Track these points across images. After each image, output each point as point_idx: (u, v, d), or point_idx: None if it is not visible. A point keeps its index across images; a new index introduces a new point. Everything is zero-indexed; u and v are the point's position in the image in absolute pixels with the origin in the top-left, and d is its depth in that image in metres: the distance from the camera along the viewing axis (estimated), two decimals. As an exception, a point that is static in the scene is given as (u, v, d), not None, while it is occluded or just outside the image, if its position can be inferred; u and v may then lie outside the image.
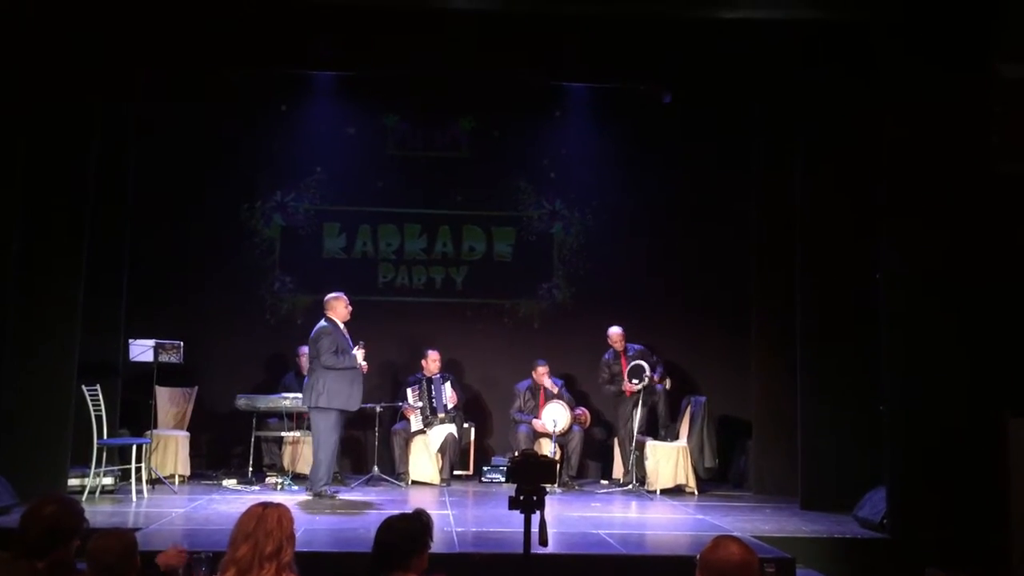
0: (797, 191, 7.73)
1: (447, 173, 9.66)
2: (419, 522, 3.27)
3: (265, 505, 2.98)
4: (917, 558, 5.31)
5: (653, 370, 8.26)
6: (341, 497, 7.39)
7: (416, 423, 8.49)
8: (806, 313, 7.49)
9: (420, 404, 8.54)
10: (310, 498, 7.25)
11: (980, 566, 5.37)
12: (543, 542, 3.08)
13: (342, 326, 7.45)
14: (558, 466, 7.96)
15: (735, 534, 5.16)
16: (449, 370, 9.03)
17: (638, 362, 8.21)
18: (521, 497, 3.09)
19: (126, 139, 8.16)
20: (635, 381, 8.18)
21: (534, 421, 8.50)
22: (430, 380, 8.64)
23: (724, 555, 2.49)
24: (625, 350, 8.54)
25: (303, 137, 9.49)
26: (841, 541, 6.20)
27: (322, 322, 7.45)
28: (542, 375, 8.66)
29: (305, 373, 8.59)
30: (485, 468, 8.62)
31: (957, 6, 6.24)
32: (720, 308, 9.27)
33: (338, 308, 7.49)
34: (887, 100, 6.51)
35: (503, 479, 8.41)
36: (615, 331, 8.61)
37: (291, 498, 7.39)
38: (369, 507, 7.06)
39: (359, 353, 7.32)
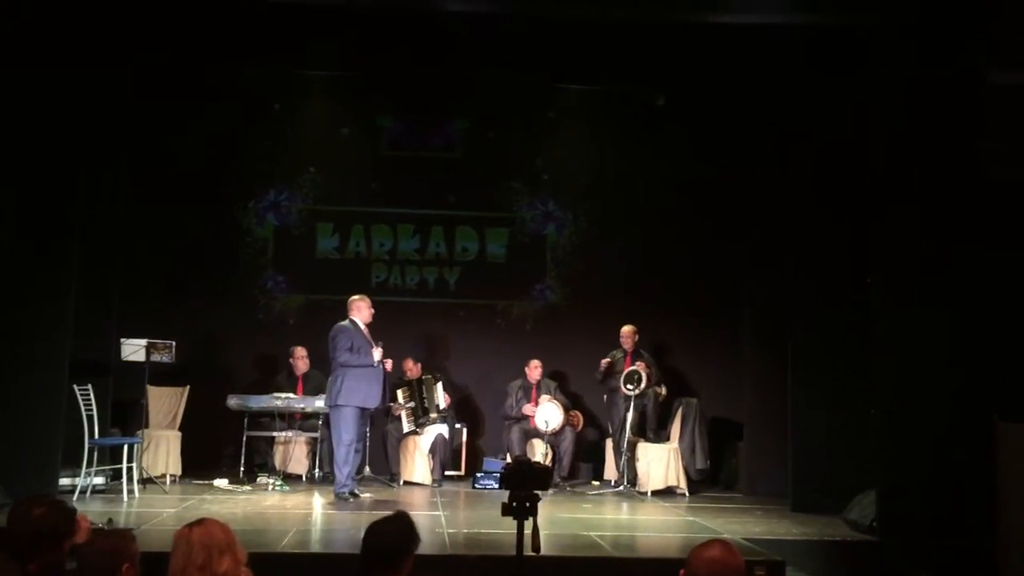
0: (790, 193, 7.75)
1: (440, 173, 9.65)
2: (404, 523, 3.27)
3: (190, 527, 2.91)
4: (906, 561, 5.34)
5: (650, 380, 8.29)
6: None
7: (407, 424, 8.50)
8: (799, 315, 7.52)
9: (411, 405, 8.55)
10: (332, 499, 7.30)
11: (969, 570, 5.40)
12: (535, 549, 3.08)
13: (363, 327, 7.50)
14: (550, 468, 7.97)
15: (725, 537, 5.18)
16: (442, 370, 9.05)
17: (638, 371, 8.22)
18: (514, 504, 3.09)
19: (117, 138, 8.13)
20: (629, 387, 8.20)
21: (525, 407, 8.51)
22: (420, 380, 8.65)
23: (707, 556, 2.52)
24: (634, 351, 8.56)
25: (296, 137, 9.47)
26: (831, 544, 6.23)
27: (343, 321, 7.49)
28: (534, 369, 8.70)
29: (297, 373, 8.65)
30: (478, 475, 8.44)
31: (948, 13, 6.26)
32: (713, 309, 9.28)
33: (362, 309, 7.56)
34: (879, 105, 6.55)
35: (496, 486, 8.36)
36: (627, 329, 8.64)
37: (285, 498, 7.41)
38: (360, 507, 7.05)
39: (377, 352, 7.36)
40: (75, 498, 6.80)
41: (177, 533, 2.90)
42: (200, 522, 2.94)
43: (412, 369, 8.77)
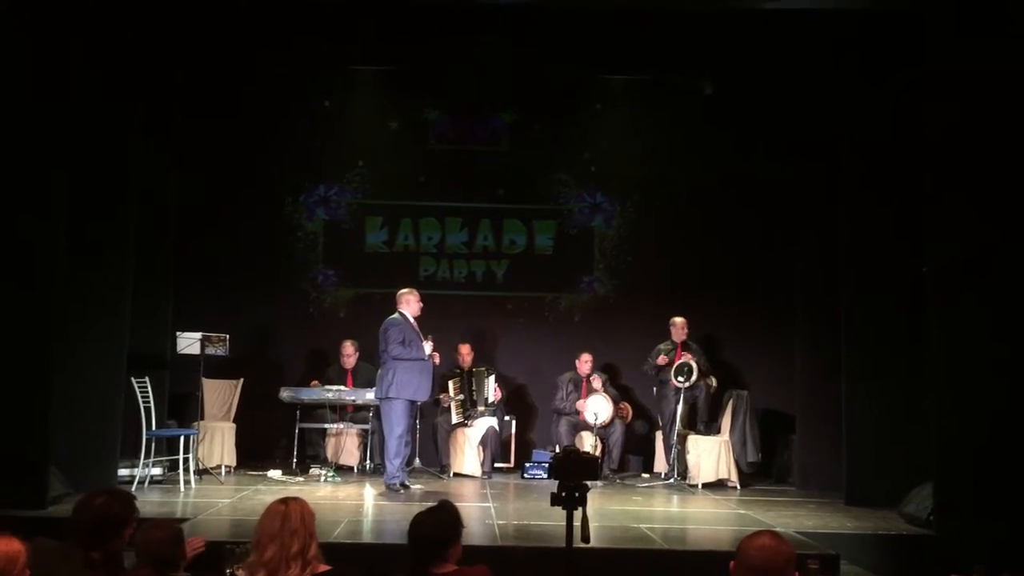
0: (841, 181, 7.62)
1: (488, 167, 9.68)
2: (448, 513, 3.31)
3: (286, 502, 2.95)
4: (964, 556, 5.21)
5: (701, 371, 8.24)
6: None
7: (456, 416, 8.54)
8: (851, 306, 7.40)
9: (461, 397, 8.59)
10: (383, 489, 7.38)
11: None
12: (585, 539, 3.08)
13: (412, 320, 7.55)
14: (600, 460, 7.96)
15: (776, 529, 5.13)
16: (490, 363, 9.08)
17: (689, 363, 8.17)
18: (563, 493, 3.10)
19: (170, 135, 8.28)
20: (680, 379, 8.15)
21: (577, 403, 8.51)
22: (470, 373, 8.69)
23: (758, 543, 2.50)
24: (684, 343, 8.52)
25: (345, 132, 9.56)
26: (886, 537, 6.13)
27: (393, 315, 7.55)
28: (585, 363, 8.68)
29: (347, 367, 8.74)
30: (527, 464, 8.56)
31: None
32: (764, 301, 9.18)
33: (411, 302, 7.61)
34: (933, 88, 6.39)
35: (545, 476, 8.37)
36: (679, 321, 8.57)
37: (337, 489, 7.50)
38: (411, 498, 7.10)
39: (428, 345, 7.42)
40: (133, 488, 6.95)
41: (273, 510, 2.93)
42: (296, 501, 2.97)
43: (467, 356, 8.82)
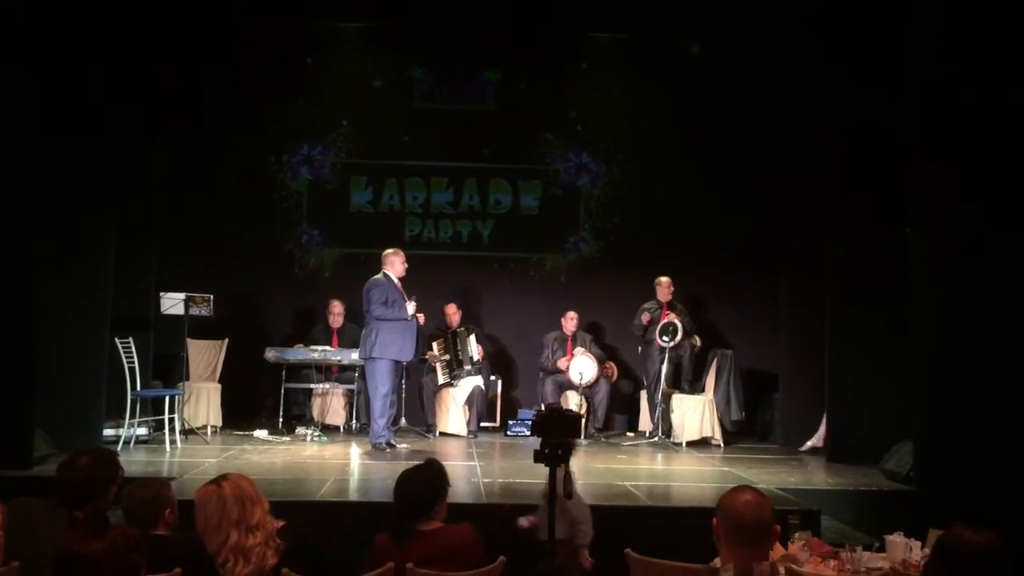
0: (827, 144, 7.60)
1: (473, 126, 9.60)
2: (434, 471, 3.33)
3: (216, 484, 2.93)
4: (943, 511, 5.29)
5: (686, 331, 8.27)
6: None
7: (442, 376, 8.56)
8: (835, 266, 7.43)
9: (446, 357, 8.60)
10: (369, 448, 7.40)
11: (1008, 520, 5.35)
12: (568, 495, 3.11)
13: (396, 280, 7.54)
14: (584, 418, 8.02)
15: (759, 485, 5.19)
16: (476, 323, 9.09)
17: (674, 322, 8.19)
18: (546, 450, 3.12)
19: (155, 95, 8.16)
20: (665, 339, 8.18)
21: (559, 362, 8.55)
22: (454, 333, 8.70)
23: (743, 501, 2.53)
24: (669, 303, 8.54)
25: (329, 90, 9.45)
26: (867, 493, 6.21)
27: (377, 275, 7.54)
28: (570, 320, 8.71)
29: (333, 327, 8.73)
30: (511, 422, 8.64)
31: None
32: (749, 260, 9.18)
33: (395, 263, 7.59)
34: (923, 53, 6.34)
35: (528, 433, 8.45)
36: (664, 280, 8.58)
37: (323, 449, 7.53)
38: (397, 457, 7.13)
39: (411, 306, 7.41)
40: (119, 448, 6.96)
41: (202, 491, 2.90)
42: (225, 477, 2.96)
43: (453, 315, 8.83)
